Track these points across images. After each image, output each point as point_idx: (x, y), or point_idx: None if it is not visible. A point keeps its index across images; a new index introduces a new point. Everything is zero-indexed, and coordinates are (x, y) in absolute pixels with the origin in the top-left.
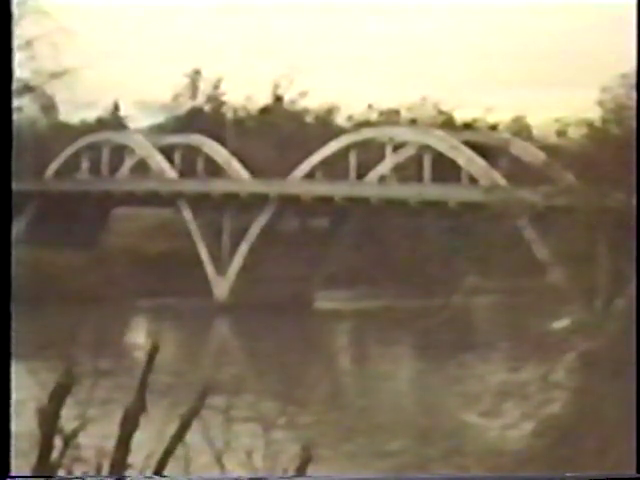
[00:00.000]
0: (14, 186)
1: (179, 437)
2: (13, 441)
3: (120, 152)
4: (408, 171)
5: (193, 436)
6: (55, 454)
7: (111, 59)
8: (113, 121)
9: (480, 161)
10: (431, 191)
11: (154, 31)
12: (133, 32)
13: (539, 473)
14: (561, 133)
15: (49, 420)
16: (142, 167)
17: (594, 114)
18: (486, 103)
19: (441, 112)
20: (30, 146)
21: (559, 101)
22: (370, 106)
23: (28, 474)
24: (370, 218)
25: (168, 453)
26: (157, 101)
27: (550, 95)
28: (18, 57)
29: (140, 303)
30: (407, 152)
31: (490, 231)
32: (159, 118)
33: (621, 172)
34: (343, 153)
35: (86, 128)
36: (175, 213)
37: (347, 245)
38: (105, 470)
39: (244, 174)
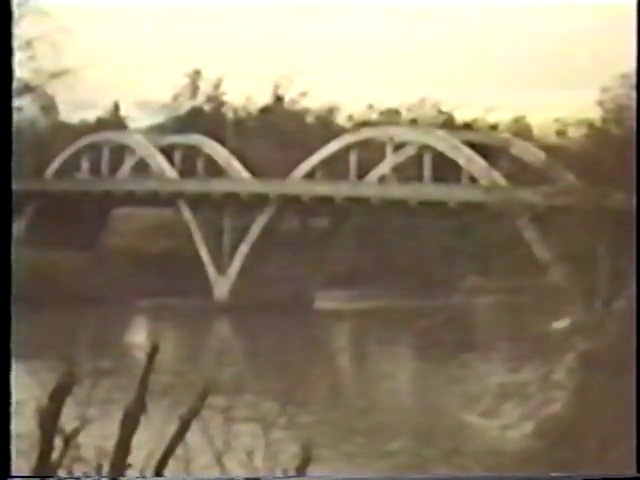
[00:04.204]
0: (14, 186)
1: (179, 437)
2: (13, 441)
3: (120, 152)
4: (408, 171)
5: (193, 436)
6: (55, 454)
7: (111, 59)
8: (113, 121)
9: (480, 161)
10: (431, 191)
11: (154, 31)
12: (133, 32)
13: (539, 473)
14: (561, 133)
15: (49, 420)
16: (142, 167)
17: (594, 114)
18: (486, 103)
19: (441, 112)
20: (30, 146)
21: (559, 101)
22: (370, 106)
23: (28, 474)
24: (370, 218)
25: (168, 453)
26: (157, 101)
27: (550, 95)
28: (18, 57)
29: (140, 303)
30: (407, 152)
31: (490, 231)
32: (159, 118)
33: (621, 172)
34: (343, 153)
35: (86, 128)
36: (175, 213)
37: (347, 245)
38: (105, 470)
39: (244, 174)
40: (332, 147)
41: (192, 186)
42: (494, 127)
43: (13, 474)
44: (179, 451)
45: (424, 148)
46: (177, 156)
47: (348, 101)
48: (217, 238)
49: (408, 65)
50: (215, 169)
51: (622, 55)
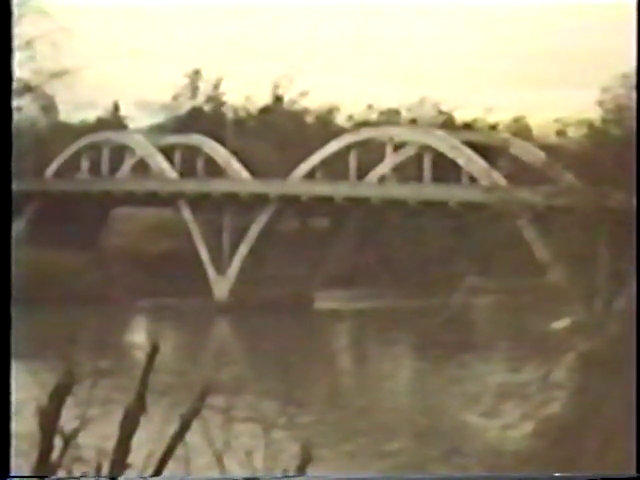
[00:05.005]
0: (14, 186)
1: (179, 437)
2: (13, 441)
3: (120, 152)
4: (408, 171)
5: (193, 436)
6: (55, 454)
7: (111, 59)
8: (113, 121)
9: (480, 161)
10: (431, 191)
11: (154, 31)
12: (133, 32)
13: (539, 473)
14: (561, 133)
15: (49, 420)
16: (142, 167)
17: (594, 114)
18: (486, 103)
19: (441, 112)
20: (30, 146)
21: (559, 101)
22: (370, 106)
23: (28, 474)
24: (370, 218)
25: (168, 453)
26: (157, 101)
27: (550, 95)
28: (18, 57)
29: (140, 303)
30: (407, 152)
31: (490, 231)
32: (159, 118)
33: (621, 172)
34: (343, 153)
35: (86, 128)
36: (175, 213)
37: (347, 245)
38: (105, 470)
39: (244, 174)
40: (332, 147)
41: (192, 186)
42: (494, 127)
43: (13, 474)
44: (179, 451)
45: (424, 148)
46: (177, 156)
47: (348, 101)
48: (217, 238)
49: (408, 65)
50: (215, 169)
51: (622, 55)
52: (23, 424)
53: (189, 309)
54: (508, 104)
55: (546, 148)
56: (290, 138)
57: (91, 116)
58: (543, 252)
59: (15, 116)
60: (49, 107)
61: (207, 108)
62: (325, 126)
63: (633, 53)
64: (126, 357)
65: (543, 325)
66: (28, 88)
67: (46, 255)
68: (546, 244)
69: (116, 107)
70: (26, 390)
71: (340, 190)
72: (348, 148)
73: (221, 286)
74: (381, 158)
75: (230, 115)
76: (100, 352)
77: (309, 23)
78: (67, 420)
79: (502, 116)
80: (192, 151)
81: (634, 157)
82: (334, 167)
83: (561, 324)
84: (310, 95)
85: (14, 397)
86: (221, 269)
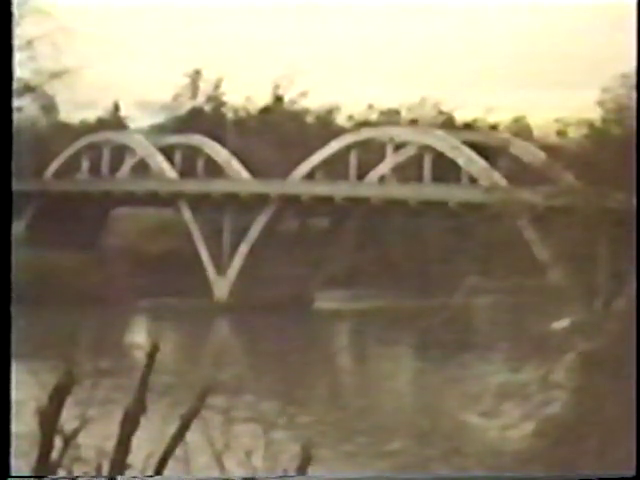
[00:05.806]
0: (14, 186)
1: (179, 437)
2: (13, 441)
3: (120, 152)
4: (408, 171)
5: (193, 436)
6: (55, 454)
7: (111, 59)
8: (113, 121)
9: (480, 161)
10: (431, 191)
11: (154, 31)
12: (133, 32)
13: (539, 473)
14: (561, 133)
15: (49, 420)
16: (142, 167)
17: (594, 114)
18: (486, 103)
19: (441, 112)
20: (30, 146)
21: (559, 101)
22: (370, 106)
23: (28, 474)
24: (370, 218)
25: (168, 453)
26: (157, 101)
27: (550, 95)
28: (18, 57)
29: (140, 303)
30: (407, 152)
31: (490, 231)
32: (159, 118)
33: (621, 172)
34: (343, 153)
35: (86, 128)
36: (175, 213)
37: (347, 245)
38: (105, 470)
39: (244, 174)
40: (332, 147)
41: (192, 186)
42: (494, 127)
43: (13, 474)
44: (179, 451)
45: (424, 148)
46: (177, 156)
47: (348, 101)
48: (217, 238)
49: (408, 65)
50: (215, 169)
51: (622, 55)
52: (23, 424)
53: (189, 309)
54: (508, 104)
55: (546, 148)
56: (290, 138)
57: (91, 116)
58: (543, 252)
59: (15, 116)
60: (49, 107)
61: (207, 108)
62: (325, 126)
63: (633, 53)
64: (126, 357)
65: (543, 325)
66: (28, 88)
67: (46, 255)
68: (546, 244)
69: (116, 107)
70: (26, 390)
71: (340, 190)
72: (348, 148)
73: (221, 286)
74: (381, 158)
75: (230, 115)
76: (100, 352)
77: (309, 23)
78: (67, 420)
79: (502, 116)
80: (192, 151)
81: (634, 157)
82: (334, 167)
83: (561, 324)
84: (310, 95)
85: (14, 397)
86: (221, 269)
